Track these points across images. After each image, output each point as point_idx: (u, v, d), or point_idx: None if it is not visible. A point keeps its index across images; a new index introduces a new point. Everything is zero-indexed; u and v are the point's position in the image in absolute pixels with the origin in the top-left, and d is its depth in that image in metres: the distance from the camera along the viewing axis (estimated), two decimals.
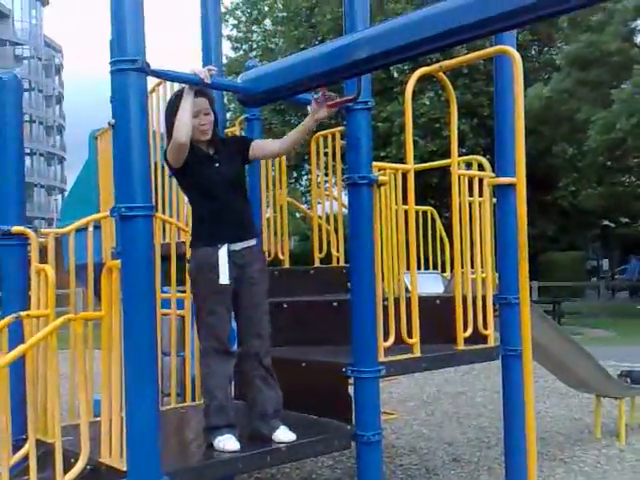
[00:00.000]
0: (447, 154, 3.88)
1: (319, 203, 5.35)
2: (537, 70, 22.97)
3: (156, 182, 4.57)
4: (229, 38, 24.69)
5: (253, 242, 3.17)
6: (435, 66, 3.53)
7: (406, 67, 17.74)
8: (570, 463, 5.06)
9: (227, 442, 2.93)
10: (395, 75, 19.79)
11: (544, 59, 23.51)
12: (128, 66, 2.46)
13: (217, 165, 3.10)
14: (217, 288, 3.00)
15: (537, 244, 24.00)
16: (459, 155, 3.84)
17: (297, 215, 24.07)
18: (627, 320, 16.77)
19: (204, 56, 3.90)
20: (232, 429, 3.00)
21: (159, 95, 4.53)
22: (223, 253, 3.01)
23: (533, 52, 24.30)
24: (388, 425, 6.12)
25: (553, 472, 4.83)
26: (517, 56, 3.34)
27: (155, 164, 4.54)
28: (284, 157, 5.17)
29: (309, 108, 3.02)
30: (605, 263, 25.76)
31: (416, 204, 5.87)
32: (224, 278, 2.98)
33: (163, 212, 4.47)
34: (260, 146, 3.23)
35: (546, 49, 23.74)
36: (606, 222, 26.33)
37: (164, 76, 2.88)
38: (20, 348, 2.71)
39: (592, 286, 23.92)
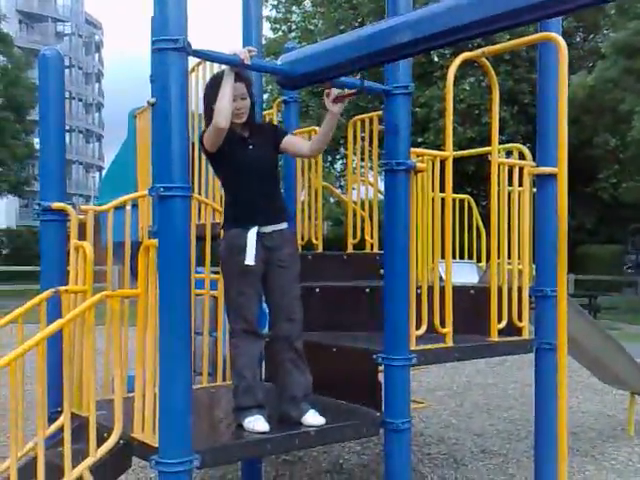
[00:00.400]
0: (486, 141, 3.82)
1: (354, 188, 5.31)
2: (582, 58, 22.44)
3: (193, 163, 4.59)
4: (268, 19, 24.57)
5: (284, 226, 3.18)
6: (478, 51, 3.46)
7: (447, 51, 17.46)
8: (601, 460, 5.00)
9: (256, 423, 2.94)
10: (435, 59, 19.52)
11: (589, 47, 22.94)
12: (169, 45, 2.45)
13: (250, 148, 3.12)
14: (244, 269, 3.02)
15: (575, 236, 23.59)
16: (499, 143, 3.77)
17: (331, 200, 24.05)
18: None
19: (244, 37, 3.88)
20: (261, 410, 3.02)
21: (198, 75, 4.52)
22: (252, 235, 3.03)
23: (578, 39, 23.74)
24: (417, 414, 6.11)
25: (583, 468, 4.78)
26: (563, 43, 3.26)
27: (193, 145, 4.57)
28: None
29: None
30: None
31: (454, 192, 5.86)
32: (250, 259, 3.00)
33: (199, 193, 4.49)
34: (291, 143, 3.23)
35: (592, 36, 23.17)
36: None
37: (205, 56, 2.88)
38: (58, 322, 2.76)
39: (630, 281, 23.41)
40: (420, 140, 18.93)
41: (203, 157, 4.53)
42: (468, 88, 18.68)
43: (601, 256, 23.74)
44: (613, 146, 19.32)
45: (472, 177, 16.58)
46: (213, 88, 3.01)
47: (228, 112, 2.91)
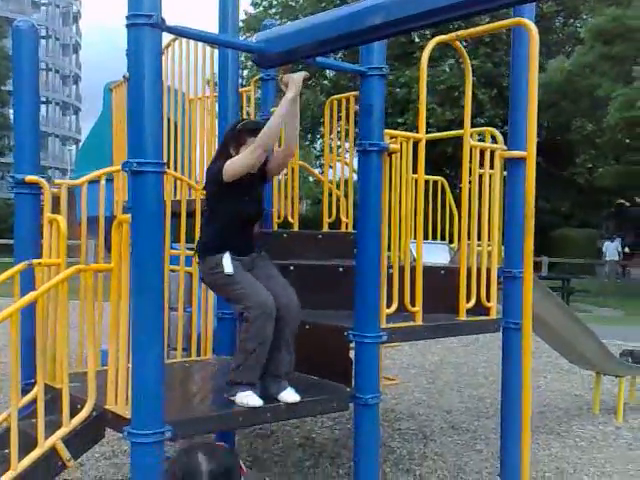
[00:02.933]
0: (463, 124, 3.86)
1: (330, 168, 5.35)
2: (561, 42, 22.58)
3: (169, 139, 4.59)
4: None
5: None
6: (452, 35, 3.49)
7: (427, 32, 17.49)
8: (566, 437, 5.15)
9: (250, 398, 2.99)
10: (416, 40, 19.51)
11: (568, 31, 23.08)
12: (143, 21, 2.45)
13: (252, 199, 3.23)
14: (225, 277, 3.12)
15: (551, 220, 23.91)
16: (477, 125, 3.82)
17: (310, 179, 24.01)
18: (636, 300, 16.77)
19: (220, 12, 3.85)
20: (254, 387, 3.06)
21: (174, 50, 4.51)
22: (227, 255, 3.13)
23: (557, 23, 23.83)
24: (389, 390, 6.23)
25: (549, 445, 4.92)
26: (534, 29, 3.30)
27: (168, 121, 4.56)
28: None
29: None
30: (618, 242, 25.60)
31: (431, 173, 5.93)
32: (228, 269, 3.09)
33: (175, 169, 4.50)
34: (272, 160, 3.29)
35: (571, 21, 23.28)
36: (621, 201, 26.11)
37: (179, 33, 2.88)
38: (31, 295, 2.78)
39: (603, 264, 23.83)
40: (400, 121, 18.98)
41: (179, 135, 4.55)
42: (448, 70, 18.75)
43: (576, 240, 24.08)
44: (589, 131, 19.52)
45: (450, 159, 16.69)
46: (234, 132, 3.14)
47: (277, 136, 3.05)
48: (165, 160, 4.43)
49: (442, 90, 18.94)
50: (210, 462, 1.99)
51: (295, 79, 3.00)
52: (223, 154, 3.14)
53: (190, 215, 3.91)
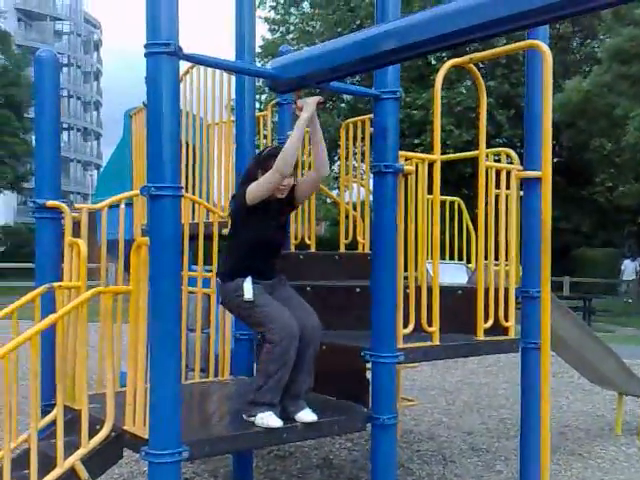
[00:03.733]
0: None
1: (346, 189, 5.39)
2: (578, 62, 22.55)
3: (187, 163, 4.66)
4: (266, 20, 24.64)
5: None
6: (465, 58, 3.53)
7: (444, 54, 17.61)
8: (588, 458, 5.08)
9: (270, 419, 3.00)
10: (433, 62, 19.61)
11: (585, 51, 23.05)
12: (161, 49, 2.52)
13: (278, 225, 3.29)
14: (243, 301, 3.14)
15: (572, 239, 23.72)
16: (495, 146, 3.84)
17: (328, 200, 24.06)
18: None
19: (237, 39, 3.93)
20: (275, 407, 3.07)
21: (192, 76, 4.59)
22: (248, 279, 3.14)
23: (575, 44, 23.83)
24: (408, 411, 6.20)
25: (570, 466, 4.85)
26: (547, 51, 3.33)
27: (187, 145, 4.64)
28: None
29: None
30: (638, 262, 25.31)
31: (450, 194, 5.95)
32: (248, 295, 3.11)
33: (193, 192, 4.56)
34: (300, 186, 3.32)
35: (588, 41, 23.26)
36: None
37: (196, 60, 2.94)
38: (51, 317, 2.83)
39: (621, 284, 23.60)
40: (417, 142, 19.03)
41: (197, 159, 4.61)
42: (464, 91, 18.79)
43: (597, 259, 23.83)
44: (609, 150, 19.40)
45: (469, 179, 16.68)
46: (260, 157, 3.23)
47: (293, 160, 3.06)
48: (183, 184, 4.56)
49: (459, 112, 18.97)
50: None
51: (309, 103, 3.05)
52: (249, 179, 3.18)
53: (208, 238, 3.96)
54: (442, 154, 4.60)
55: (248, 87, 3.94)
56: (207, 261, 3.98)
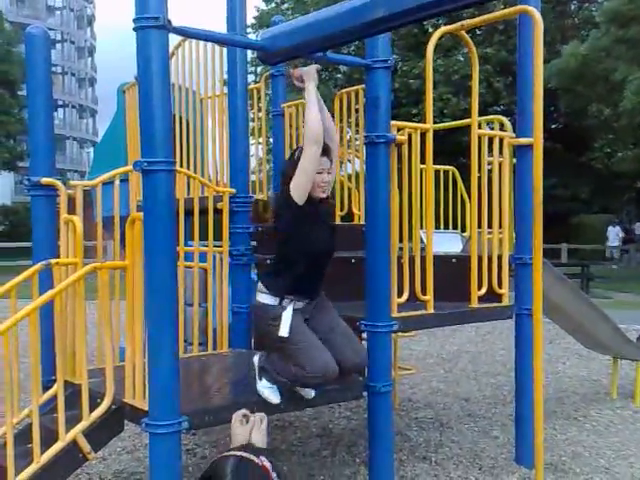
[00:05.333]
0: (480, 112, 3.88)
1: (341, 161, 5.39)
2: (576, 26, 22.32)
3: (181, 138, 4.66)
4: None
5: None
6: (457, 25, 3.51)
7: (440, 21, 17.43)
8: (584, 422, 5.15)
9: (272, 392, 3.03)
10: (429, 30, 19.42)
11: (583, 15, 22.81)
12: (150, 23, 2.52)
13: (331, 227, 3.11)
14: (277, 338, 2.93)
15: (570, 206, 23.72)
16: (493, 114, 3.84)
17: None
18: None
19: (228, 11, 3.90)
20: (279, 386, 3.06)
21: (185, 50, 4.57)
22: (289, 311, 2.94)
23: (572, 8, 23.57)
24: (406, 380, 6.27)
25: (566, 430, 4.92)
26: (538, 17, 3.31)
27: (180, 120, 4.63)
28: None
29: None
30: (638, 227, 25.35)
31: (448, 163, 5.94)
32: (284, 331, 2.91)
33: (188, 167, 4.56)
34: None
35: (586, 5, 23.00)
36: None
37: (185, 33, 2.93)
38: (49, 293, 2.87)
39: (624, 250, 23.71)
40: (415, 111, 18.92)
41: (191, 133, 4.61)
42: (462, 59, 18.63)
43: (596, 226, 23.88)
44: (607, 115, 19.29)
45: (466, 148, 16.60)
46: (292, 159, 2.97)
47: (321, 127, 2.84)
48: (177, 158, 4.56)
49: (456, 80, 18.85)
50: (234, 477, 1.99)
51: (310, 71, 2.94)
52: (285, 183, 2.95)
53: (203, 212, 3.98)
54: (440, 123, 4.59)
55: (240, 60, 3.93)
56: (203, 236, 4.01)
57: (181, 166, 4.49)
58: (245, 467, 1.96)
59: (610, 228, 22.75)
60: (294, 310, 2.95)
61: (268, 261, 3.23)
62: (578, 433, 4.87)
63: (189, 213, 4.01)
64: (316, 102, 2.89)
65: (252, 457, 1.97)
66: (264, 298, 3.00)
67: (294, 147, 5.30)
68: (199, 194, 4.06)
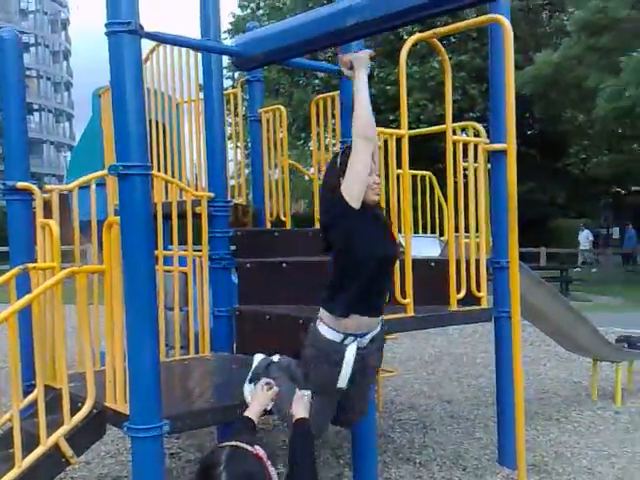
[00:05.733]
0: (456, 118, 3.93)
1: (320, 166, 5.42)
2: (548, 35, 22.60)
3: (158, 142, 4.65)
4: None
5: (380, 326, 2.79)
6: (429, 32, 3.55)
7: (415, 29, 17.54)
8: (565, 423, 5.19)
9: None
10: (405, 37, 19.56)
11: (555, 24, 23.10)
12: (122, 28, 2.51)
13: (391, 234, 2.84)
14: (332, 387, 2.65)
15: (548, 211, 24.00)
16: (469, 120, 3.88)
17: (307, 178, 24.03)
18: (634, 287, 16.87)
19: (202, 17, 3.88)
20: None
21: (160, 55, 4.56)
22: (352, 352, 2.62)
23: (544, 17, 23.87)
24: (389, 383, 6.29)
25: (548, 431, 4.97)
26: (508, 25, 3.36)
27: (157, 124, 4.62)
28: (284, 119, 5.23)
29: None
30: (616, 231, 25.74)
31: (425, 169, 5.98)
32: (342, 382, 2.62)
33: (165, 172, 4.56)
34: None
35: (557, 13, 23.30)
36: (617, 190, 26.18)
37: (157, 38, 2.93)
38: (27, 297, 2.84)
39: (600, 254, 24.06)
40: (392, 117, 19.01)
41: (168, 137, 4.60)
42: (437, 66, 18.77)
43: (573, 230, 24.20)
44: (581, 122, 19.57)
45: (442, 154, 16.71)
46: (335, 164, 2.70)
47: (371, 119, 2.58)
48: (155, 163, 4.55)
49: (432, 86, 18.98)
50: (229, 463, 2.04)
51: (361, 57, 2.65)
52: (332, 190, 2.62)
53: (181, 216, 3.97)
54: (417, 129, 4.63)
55: (215, 65, 3.92)
56: (182, 240, 4.00)
57: (159, 170, 4.48)
58: (240, 455, 2.05)
59: (580, 232, 23.17)
60: (357, 351, 2.62)
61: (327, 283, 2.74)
62: (560, 434, 4.91)
63: (168, 217, 4.00)
64: (367, 93, 2.60)
65: (246, 446, 2.08)
66: (327, 332, 2.63)
67: (271, 152, 5.33)
68: (177, 198, 4.06)
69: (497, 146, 3.79)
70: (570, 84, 17.81)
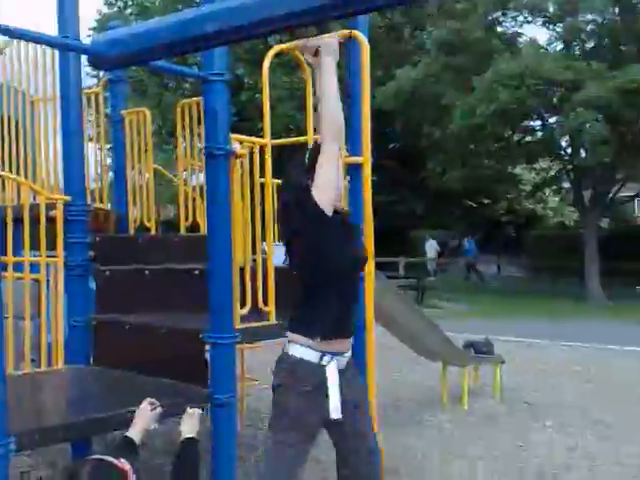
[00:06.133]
0: None
1: (185, 171, 5.35)
2: (410, 52, 23.69)
3: (10, 140, 4.39)
4: None
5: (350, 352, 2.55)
6: (291, 44, 3.60)
7: (285, 38, 17.76)
8: (419, 428, 5.42)
9: None
10: (273, 45, 19.70)
11: (416, 42, 24.24)
12: None
13: (351, 241, 2.59)
14: (311, 421, 2.38)
15: (407, 222, 25.10)
16: None
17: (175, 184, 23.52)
18: (479, 295, 18.11)
19: (59, 14, 3.71)
20: None
21: (14, 48, 4.32)
22: (333, 372, 2.37)
23: (406, 34, 24.97)
24: (251, 391, 6.27)
25: (405, 438, 5.13)
26: (364, 41, 3.46)
27: (9, 120, 4.36)
28: (149, 122, 5.11)
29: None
30: (467, 242, 27.41)
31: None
32: (336, 411, 2.33)
33: (17, 172, 4.31)
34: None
35: (418, 32, 24.47)
36: (470, 203, 27.89)
37: (12, 34, 2.74)
38: None
39: (448, 263, 25.71)
40: (260, 126, 19.08)
41: (21, 135, 4.36)
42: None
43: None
44: (437, 137, 20.66)
45: None
46: (304, 167, 2.48)
47: (341, 117, 2.36)
48: (6, 162, 4.28)
49: (301, 96, 19.26)
50: (91, 477, 1.97)
51: (330, 43, 2.44)
52: (304, 195, 2.41)
53: (34, 221, 3.76)
54: (287, 138, 4.67)
55: (73, 63, 3.76)
56: (34, 245, 3.79)
57: (10, 171, 4.22)
58: (103, 469, 2.00)
59: (426, 242, 24.54)
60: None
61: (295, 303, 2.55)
62: (417, 440, 5.10)
63: (20, 221, 3.78)
64: (336, 86, 2.34)
65: (111, 460, 2.03)
66: (301, 352, 2.39)
67: (135, 154, 5.18)
68: (30, 201, 3.84)
69: (354, 159, 3.89)
70: (428, 101, 18.77)
